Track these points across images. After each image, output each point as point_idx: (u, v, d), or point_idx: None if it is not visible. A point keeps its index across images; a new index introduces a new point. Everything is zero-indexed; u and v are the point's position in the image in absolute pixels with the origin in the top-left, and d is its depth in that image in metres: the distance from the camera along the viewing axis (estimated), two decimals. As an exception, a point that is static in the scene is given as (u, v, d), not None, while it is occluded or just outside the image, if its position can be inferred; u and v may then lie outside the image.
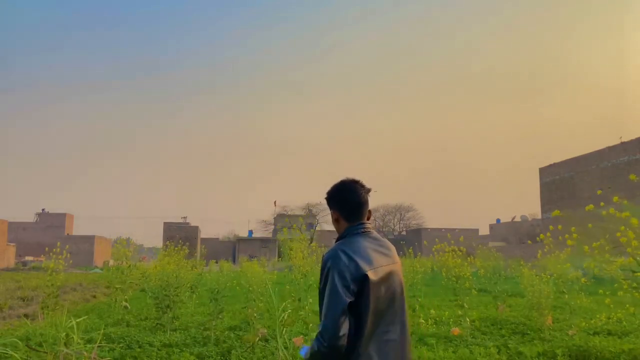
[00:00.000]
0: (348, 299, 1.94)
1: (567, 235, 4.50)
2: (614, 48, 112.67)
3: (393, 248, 2.28)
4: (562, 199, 41.86)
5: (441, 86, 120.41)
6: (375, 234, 2.25)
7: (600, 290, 4.94)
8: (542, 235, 9.11)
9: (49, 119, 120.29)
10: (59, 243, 9.06)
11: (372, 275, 2.01)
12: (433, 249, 10.21)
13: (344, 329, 1.92)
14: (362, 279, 1.99)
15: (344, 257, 2.02)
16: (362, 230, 2.20)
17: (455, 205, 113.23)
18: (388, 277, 2.11)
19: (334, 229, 2.34)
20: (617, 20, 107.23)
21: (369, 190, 2.30)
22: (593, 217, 4.68)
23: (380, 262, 2.11)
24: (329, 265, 2.02)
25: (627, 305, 4.68)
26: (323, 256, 2.13)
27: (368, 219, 2.28)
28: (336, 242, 2.24)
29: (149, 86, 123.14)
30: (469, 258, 9.78)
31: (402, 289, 2.21)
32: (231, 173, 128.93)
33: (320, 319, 2.02)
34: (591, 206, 4.24)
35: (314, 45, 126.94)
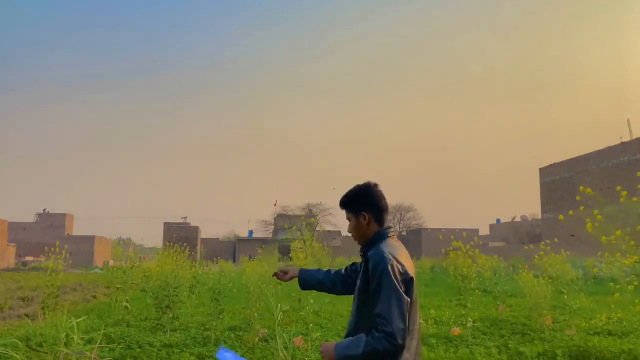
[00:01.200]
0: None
1: (588, 219, 4.38)
2: (614, 48, 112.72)
3: None
4: (562, 199, 41.84)
5: (441, 86, 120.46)
6: (397, 238, 2.32)
7: (611, 284, 4.91)
8: (541, 244, 9.07)
9: (49, 119, 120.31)
10: (57, 242, 9.06)
11: (414, 278, 2.13)
12: (443, 250, 10.15)
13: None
14: (409, 281, 2.08)
15: (393, 260, 2.06)
16: (390, 234, 2.27)
17: (455, 205, 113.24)
18: (415, 279, 2.20)
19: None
20: (617, 20, 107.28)
21: None
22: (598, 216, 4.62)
23: (411, 264, 2.20)
24: (381, 267, 2.03)
25: (637, 301, 4.62)
26: (368, 256, 2.14)
27: None
28: (366, 244, 2.27)
29: (149, 86, 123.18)
30: (480, 259, 9.78)
31: None
32: (231, 173, 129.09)
33: (355, 319, 2.15)
34: (624, 193, 4.17)
35: (314, 45, 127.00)
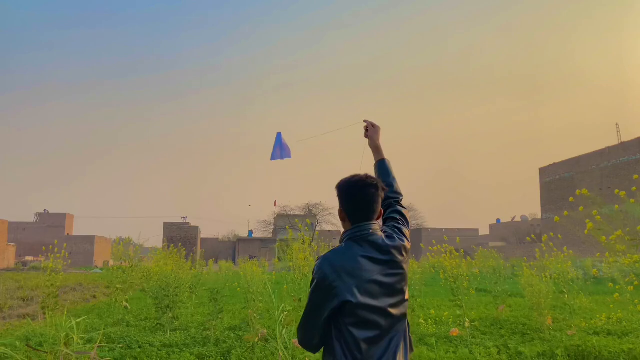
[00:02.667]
0: None
1: (587, 220, 4.36)
2: (614, 48, 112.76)
3: (396, 250, 1.97)
4: (562, 199, 41.84)
5: (441, 86, 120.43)
6: (375, 236, 1.95)
7: (610, 284, 4.90)
8: (544, 237, 9.10)
9: (49, 119, 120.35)
10: (56, 241, 9.05)
11: (374, 301, 1.87)
12: (430, 249, 10.20)
13: None
14: (345, 305, 1.86)
15: (325, 276, 1.86)
16: (362, 234, 1.95)
17: (455, 205, 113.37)
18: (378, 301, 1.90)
19: (334, 229, 2.27)
20: (617, 20, 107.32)
21: (380, 188, 2.02)
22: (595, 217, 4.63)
23: (372, 279, 1.89)
24: (312, 276, 1.93)
25: (636, 301, 4.61)
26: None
27: (378, 218, 2.02)
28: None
29: (149, 86, 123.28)
30: (467, 258, 9.80)
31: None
32: (231, 173, 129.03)
33: None
34: (622, 193, 4.19)
35: (314, 45, 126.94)
